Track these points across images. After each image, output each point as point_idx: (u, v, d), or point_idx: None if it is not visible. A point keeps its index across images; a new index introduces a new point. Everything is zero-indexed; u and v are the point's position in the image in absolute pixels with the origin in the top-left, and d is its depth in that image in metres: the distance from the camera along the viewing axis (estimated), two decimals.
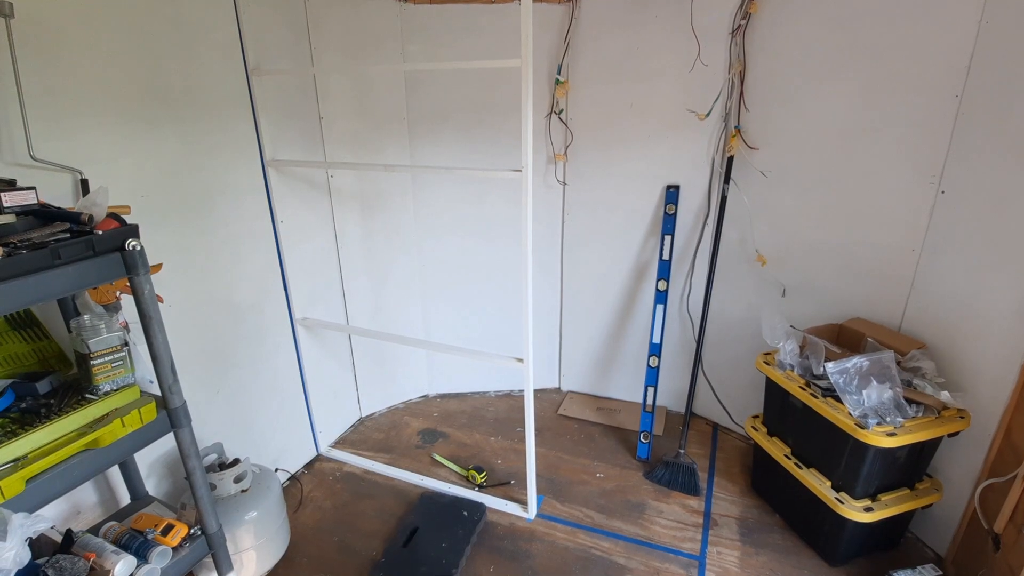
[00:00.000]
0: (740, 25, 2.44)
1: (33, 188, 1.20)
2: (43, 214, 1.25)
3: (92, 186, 1.66)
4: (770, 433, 2.39)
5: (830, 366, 1.99)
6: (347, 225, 2.78)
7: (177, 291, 1.99)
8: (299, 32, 2.41)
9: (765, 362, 2.32)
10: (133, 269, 1.32)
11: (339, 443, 2.91)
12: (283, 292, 2.48)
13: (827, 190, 2.37)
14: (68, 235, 1.24)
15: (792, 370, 2.23)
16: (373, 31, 2.62)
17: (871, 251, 2.30)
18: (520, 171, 1.87)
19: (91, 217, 1.25)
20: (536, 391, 3.38)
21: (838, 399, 2.00)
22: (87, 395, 1.35)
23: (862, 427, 1.89)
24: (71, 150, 1.61)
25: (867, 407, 1.94)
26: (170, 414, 1.48)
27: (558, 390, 3.42)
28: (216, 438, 2.17)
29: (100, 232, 1.25)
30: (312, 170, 2.55)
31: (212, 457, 2.04)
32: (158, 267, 1.62)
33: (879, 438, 1.85)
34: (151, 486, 1.94)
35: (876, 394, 1.94)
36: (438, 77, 2.75)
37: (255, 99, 2.20)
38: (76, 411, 1.30)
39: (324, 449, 2.81)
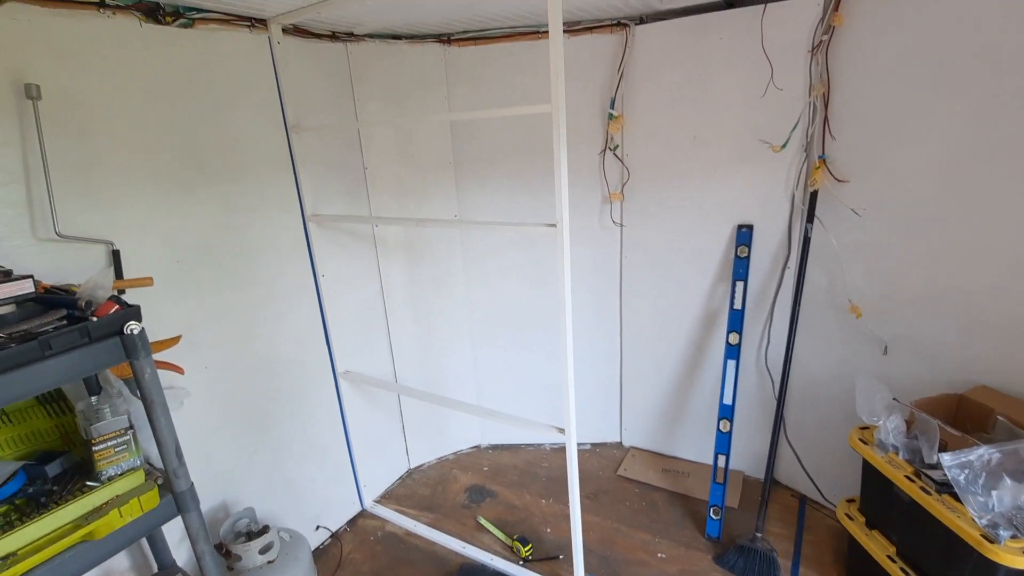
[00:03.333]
0: (822, 41, 2.12)
1: (30, 277, 1.18)
2: (45, 300, 1.23)
3: (124, 256, 1.67)
4: (869, 524, 1.98)
5: (946, 458, 1.59)
6: (393, 274, 2.71)
7: (213, 353, 1.98)
8: (342, 84, 2.39)
9: (861, 440, 1.93)
10: (133, 353, 1.27)
11: (385, 497, 2.81)
12: (325, 346, 2.44)
13: (938, 229, 1.97)
14: (65, 322, 1.21)
15: (896, 453, 1.83)
16: (418, 76, 2.55)
17: (998, 302, 1.86)
18: (554, 225, 1.67)
19: (88, 303, 1.21)
20: (594, 445, 3.14)
21: (958, 497, 1.60)
22: (88, 483, 1.31)
23: (990, 540, 1.48)
24: (104, 222, 1.63)
25: (997, 513, 1.53)
26: (176, 498, 1.41)
27: (619, 445, 3.13)
28: (252, 499, 2.13)
29: (96, 319, 1.21)
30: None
31: (243, 523, 1.99)
32: (175, 340, 1.59)
33: (1014, 557, 1.44)
34: (183, 553, 1.91)
35: (1010, 497, 1.52)
36: (484, 121, 2.63)
37: (295, 155, 2.18)
38: (75, 501, 1.26)
39: (368, 504, 2.72)
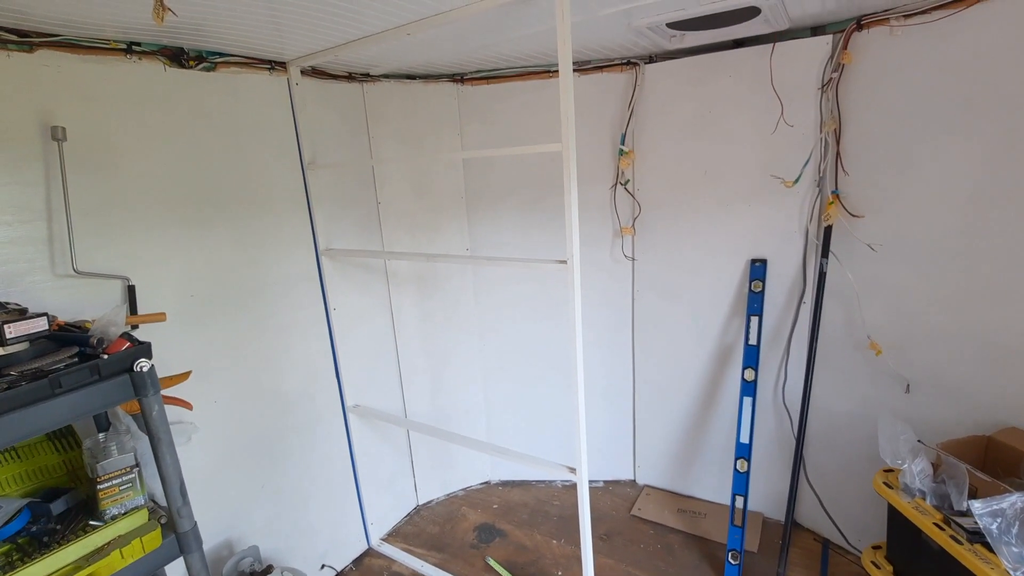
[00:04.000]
0: (832, 78, 2.13)
1: (44, 315, 1.20)
2: (58, 338, 1.25)
3: (139, 291, 1.69)
4: (897, 573, 1.88)
5: (977, 505, 1.52)
6: (404, 307, 2.71)
7: (223, 386, 1.98)
8: (357, 122, 2.44)
9: (886, 483, 1.85)
10: (142, 390, 1.27)
11: (392, 535, 2.75)
12: (335, 379, 2.43)
13: (960, 265, 1.93)
14: (77, 359, 1.21)
15: (924, 498, 1.75)
16: (432, 114, 2.60)
17: None
18: (565, 262, 1.67)
19: (100, 340, 1.22)
20: (607, 482, 3.07)
21: (991, 547, 1.51)
22: (91, 522, 1.29)
23: None
24: (120, 257, 1.66)
25: None
26: (179, 538, 1.39)
27: (633, 483, 3.05)
28: (257, 536, 2.09)
29: (107, 356, 1.22)
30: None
31: (247, 562, 1.95)
32: (185, 376, 1.59)
33: None
34: None
35: None
36: (496, 157, 2.66)
37: (310, 192, 2.22)
38: (77, 541, 1.24)
39: (375, 543, 2.66)
